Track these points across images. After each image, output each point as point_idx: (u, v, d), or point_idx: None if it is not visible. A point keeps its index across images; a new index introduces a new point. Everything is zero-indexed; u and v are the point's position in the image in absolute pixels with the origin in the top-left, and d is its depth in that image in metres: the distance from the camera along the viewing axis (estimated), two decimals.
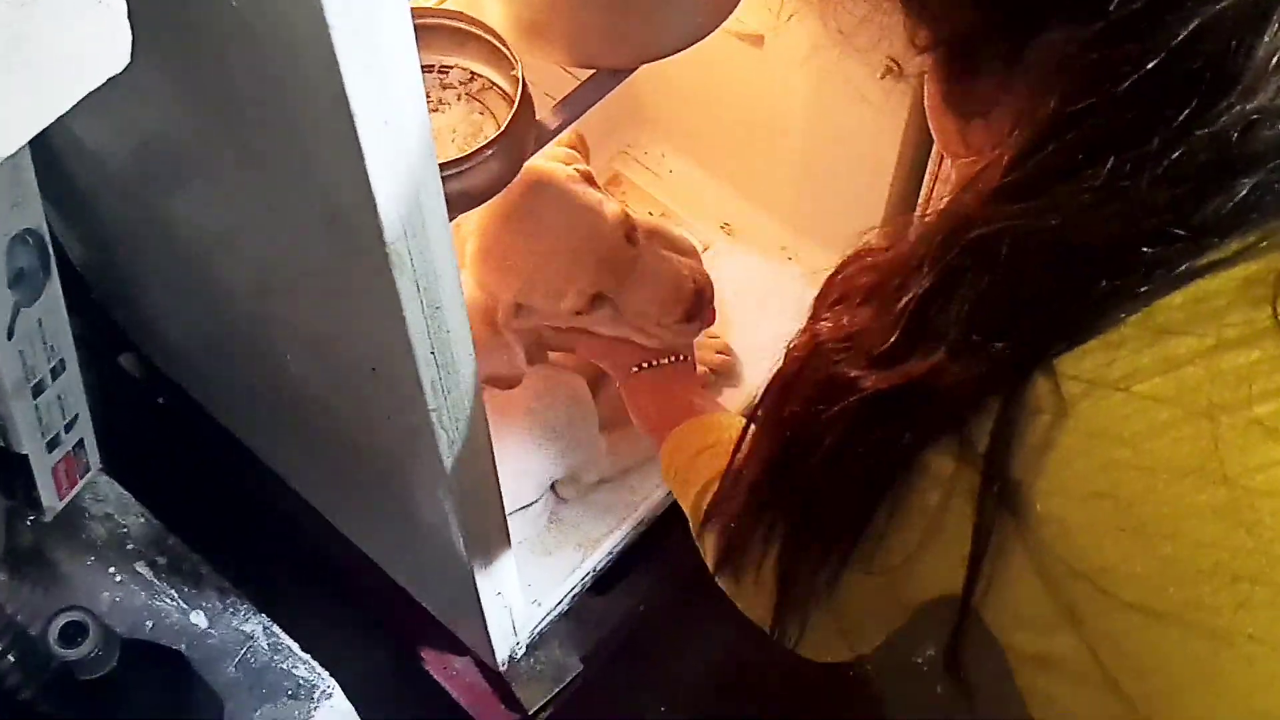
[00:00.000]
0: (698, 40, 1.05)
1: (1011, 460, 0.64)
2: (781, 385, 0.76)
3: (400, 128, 0.65)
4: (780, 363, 0.77)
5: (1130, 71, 0.60)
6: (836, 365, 0.70)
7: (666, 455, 1.10)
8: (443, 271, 0.77)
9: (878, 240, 0.73)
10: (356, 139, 0.63)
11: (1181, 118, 0.59)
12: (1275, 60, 0.59)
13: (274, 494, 1.39)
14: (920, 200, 1.26)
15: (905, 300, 0.67)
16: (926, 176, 1.23)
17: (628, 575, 1.37)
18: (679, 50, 1.05)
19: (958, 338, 0.64)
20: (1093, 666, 0.64)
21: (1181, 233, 0.60)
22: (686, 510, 1.01)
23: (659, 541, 1.36)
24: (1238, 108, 0.59)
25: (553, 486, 1.34)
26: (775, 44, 1.32)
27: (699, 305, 1.18)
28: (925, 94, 0.74)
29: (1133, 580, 0.62)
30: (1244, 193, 0.60)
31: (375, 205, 0.68)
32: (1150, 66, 0.59)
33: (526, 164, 1.00)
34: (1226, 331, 0.60)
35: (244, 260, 1.00)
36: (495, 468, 0.96)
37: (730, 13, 1.06)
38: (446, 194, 0.75)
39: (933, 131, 0.75)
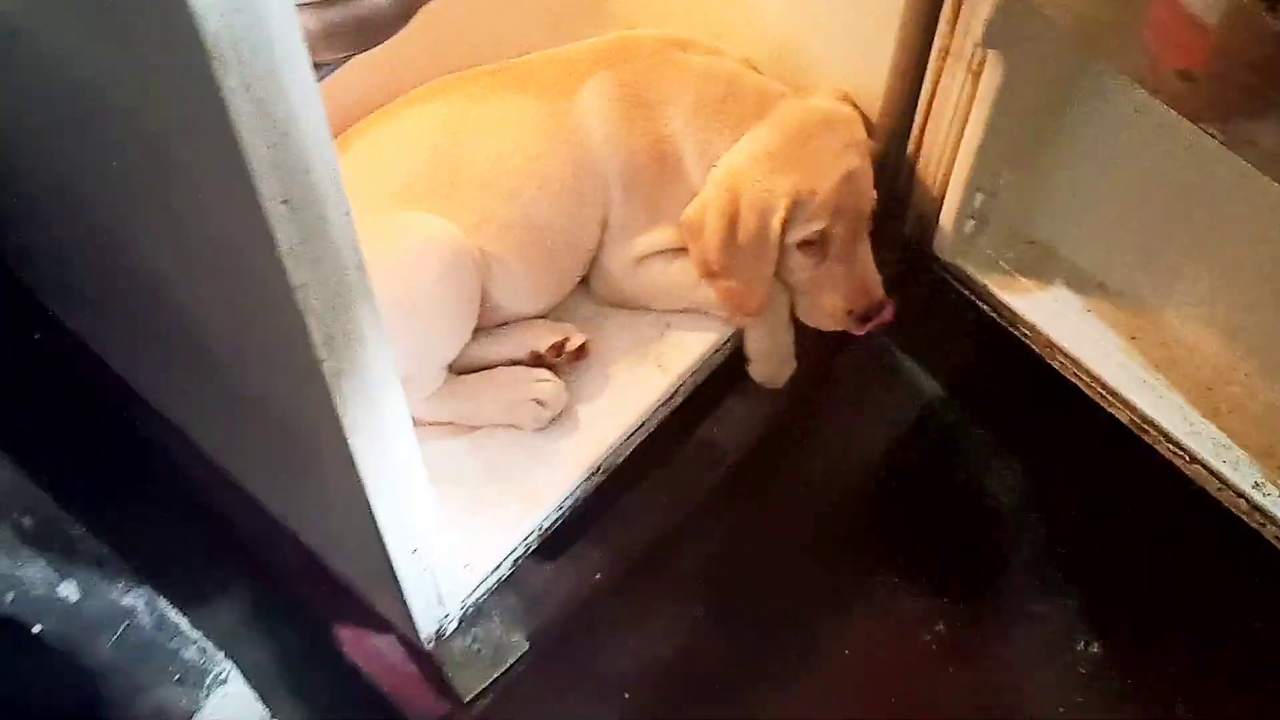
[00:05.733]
0: None
1: None
2: None
3: None
4: None
5: None
6: None
7: None
8: (290, 85, 0.59)
9: None
10: None
11: None
12: None
13: (169, 449, 1.25)
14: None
15: None
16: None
17: (581, 538, 1.24)
18: None
19: None
20: None
21: None
22: None
23: (619, 497, 1.24)
24: None
25: None
26: None
27: (872, 311, 1.21)
28: None
29: None
30: None
31: None
32: None
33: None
34: None
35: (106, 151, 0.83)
36: (394, 372, 0.77)
37: None
38: (327, 24, 0.82)
39: None
